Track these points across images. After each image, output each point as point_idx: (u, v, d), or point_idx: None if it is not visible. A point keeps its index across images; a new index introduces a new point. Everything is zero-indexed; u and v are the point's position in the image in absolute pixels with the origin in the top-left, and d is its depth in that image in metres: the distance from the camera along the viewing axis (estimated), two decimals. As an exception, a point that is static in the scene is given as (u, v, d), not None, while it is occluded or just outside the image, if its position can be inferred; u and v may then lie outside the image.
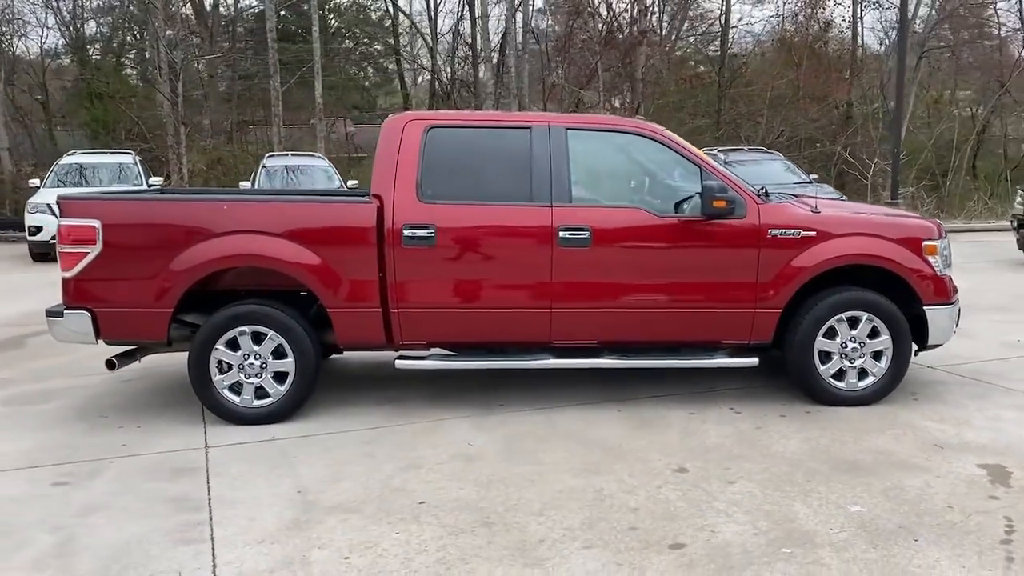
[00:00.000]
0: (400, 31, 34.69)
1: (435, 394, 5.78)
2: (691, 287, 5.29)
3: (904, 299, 5.42)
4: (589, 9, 25.51)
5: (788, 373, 5.59)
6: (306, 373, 5.18)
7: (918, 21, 25.59)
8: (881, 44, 27.14)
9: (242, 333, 5.13)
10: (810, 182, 14.21)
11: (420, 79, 39.75)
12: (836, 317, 5.35)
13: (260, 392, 5.20)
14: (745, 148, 17.22)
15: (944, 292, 5.46)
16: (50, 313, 5.18)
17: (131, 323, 5.13)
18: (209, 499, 4.08)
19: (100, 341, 5.19)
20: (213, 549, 3.55)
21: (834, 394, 5.42)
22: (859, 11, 25.96)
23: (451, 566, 3.37)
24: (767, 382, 5.97)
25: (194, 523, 3.81)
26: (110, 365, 5.29)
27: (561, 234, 5.15)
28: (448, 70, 33.88)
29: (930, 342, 5.50)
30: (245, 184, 15.28)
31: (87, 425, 5.26)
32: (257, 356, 5.15)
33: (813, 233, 5.30)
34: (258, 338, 5.15)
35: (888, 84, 25.29)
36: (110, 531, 3.73)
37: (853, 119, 24.19)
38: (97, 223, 5.01)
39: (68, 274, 5.08)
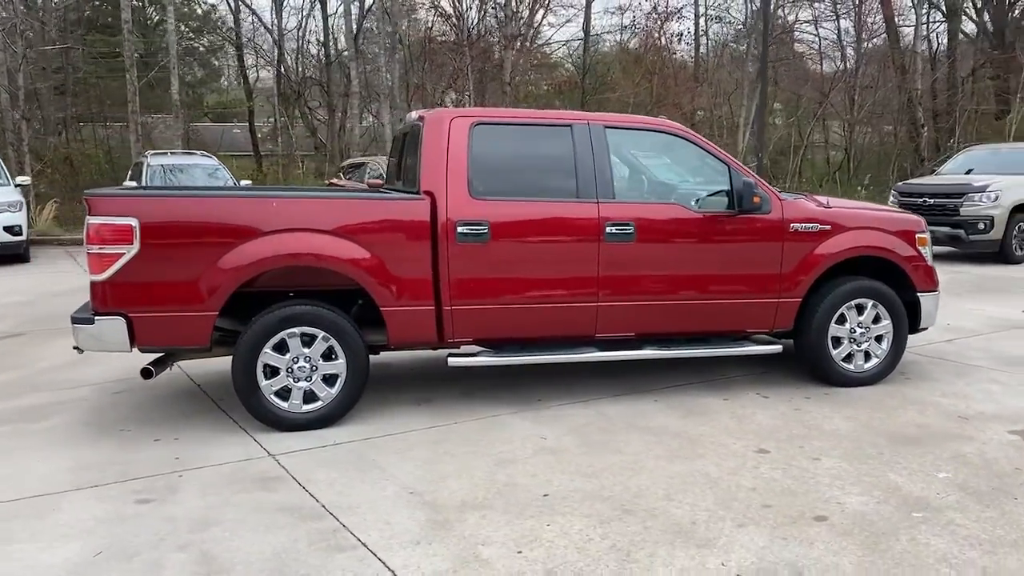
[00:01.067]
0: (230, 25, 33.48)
1: (463, 394, 5.75)
2: (724, 279, 5.56)
3: (898, 286, 5.92)
4: (443, 12, 25.75)
5: (800, 357, 5.96)
6: (357, 375, 5.04)
7: (754, 36, 27.46)
8: (720, 55, 28.88)
9: (291, 335, 4.92)
10: None
11: (257, 77, 38.46)
12: (846, 304, 5.78)
13: (308, 396, 5.00)
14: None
15: (933, 280, 6.03)
16: (77, 320, 4.76)
17: (171, 328, 4.80)
18: (322, 506, 3.92)
19: (135, 349, 4.82)
20: (374, 554, 3.43)
21: (845, 376, 5.85)
22: (703, 25, 27.61)
23: (628, 551, 3.43)
24: (767, 368, 6.34)
25: (329, 530, 3.66)
26: (147, 374, 4.93)
27: (608, 229, 5.28)
28: (297, 67, 33.04)
29: (921, 325, 6.04)
30: (130, 184, 14.30)
31: (115, 440, 4.87)
32: (307, 359, 4.96)
33: (828, 227, 5.71)
34: (306, 340, 4.96)
35: (734, 94, 27.07)
36: (246, 544, 3.52)
37: (696, 126, 25.58)
38: (134, 221, 4.66)
39: (100, 277, 4.68)
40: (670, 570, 3.29)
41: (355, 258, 4.93)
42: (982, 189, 11.99)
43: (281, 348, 4.93)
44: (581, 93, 23.93)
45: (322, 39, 33.23)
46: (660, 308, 5.48)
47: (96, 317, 4.71)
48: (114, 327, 4.71)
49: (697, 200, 5.53)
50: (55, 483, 4.21)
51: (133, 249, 4.66)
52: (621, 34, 26.41)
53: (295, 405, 4.98)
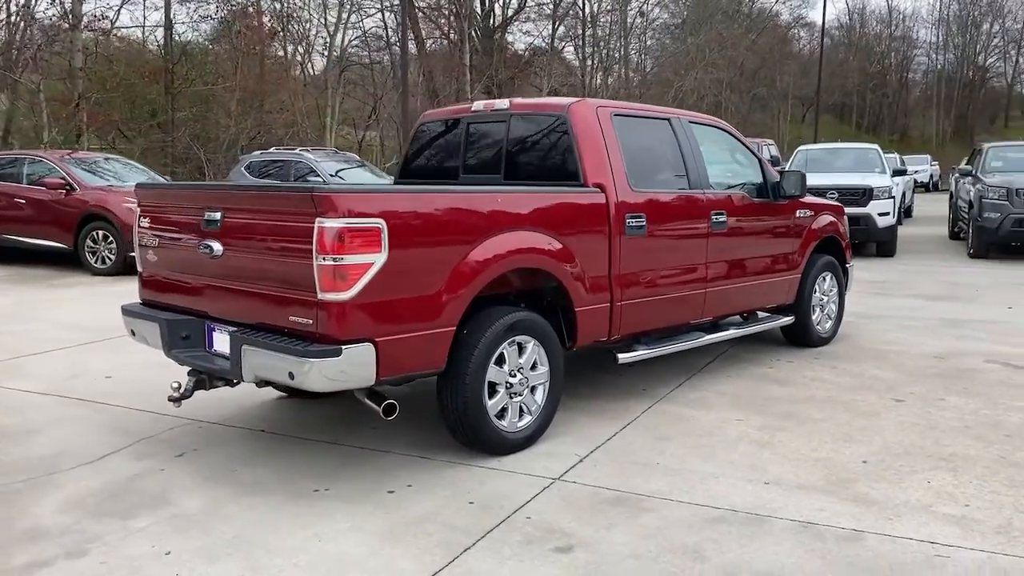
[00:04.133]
0: None
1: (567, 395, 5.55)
2: (771, 259, 6.24)
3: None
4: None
5: (790, 326, 6.85)
6: (558, 384, 4.68)
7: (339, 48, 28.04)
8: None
9: (511, 344, 4.39)
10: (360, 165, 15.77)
11: None
12: (819, 278, 6.86)
13: (521, 412, 4.52)
14: (331, 149, 17.73)
15: (850, 253, 7.41)
16: (314, 354, 3.66)
17: (414, 351, 3.95)
18: (733, 510, 3.74)
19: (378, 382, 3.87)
20: (885, 534, 3.50)
21: (820, 337, 6.94)
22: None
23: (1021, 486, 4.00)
24: (745, 343, 7.10)
25: (799, 527, 3.56)
26: (392, 410, 3.97)
27: (713, 218, 5.61)
28: None
29: (847, 290, 7.39)
30: None
31: (346, 502, 3.87)
32: (520, 370, 4.47)
33: (812, 212, 6.71)
34: (519, 350, 4.48)
35: (323, 93, 27.10)
36: (763, 555, 3.31)
37: (298, 126, 25.17)
38: (381, 223, 3.77)
39: (344, 296, 3.68)
40: (1077, 491, 3.95)
41: (564, 255, 4.58)
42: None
43: (498, 361, 4.37)
44: (169, 82, 21.81)
45: None
46: (737, 290, 5.96)
47: (344, 347, 3.69)
48: (362, 357, 3.75)
49: (749, 188, 6.09)
50: (416, 559, 3.32)
51: (381, 258, 3.76)
52: (211, 24, 24.64)
53: (512, 423, 4.46)
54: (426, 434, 4.71)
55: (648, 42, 45.55)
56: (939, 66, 74.10)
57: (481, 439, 4.31)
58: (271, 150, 15.96)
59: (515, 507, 3.78)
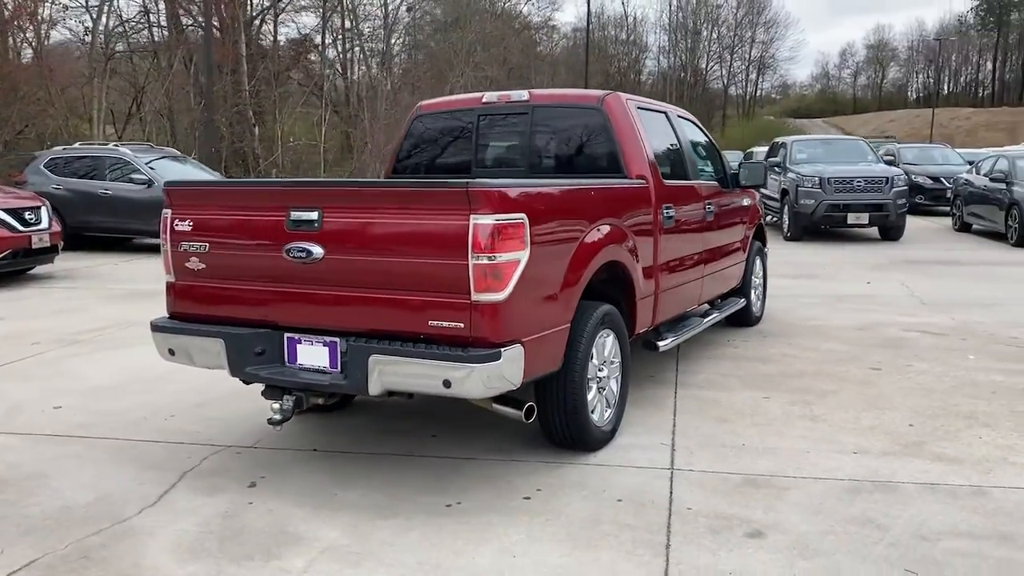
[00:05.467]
0: None
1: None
2: (734, 245, 6.60)
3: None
4: None
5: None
6: (627, 376, 4.70)
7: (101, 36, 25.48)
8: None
9: (600, 337, 4.36)
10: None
11: None
12: (754, 261, 7.35)
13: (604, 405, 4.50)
14: (147, 143, 16.05)
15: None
16: (472, 359, 3.43)
17: (545, 351, 3.83)
18: (858, 480, 3.97)
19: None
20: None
21: (755, 317, 7.44)
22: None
23: (1052, 434, 4.60)
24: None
25: (912, 475, 3.88)
26: (532, 412, 3.81)
27: (707, 207, 5.86)
28: None
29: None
30: None
31: (489, 512, 3.67)
32: (605, 364, 4.45)
33: (749, 202, 7.17)
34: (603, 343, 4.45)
35: (86, 86, 24.48)
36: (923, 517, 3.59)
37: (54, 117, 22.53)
38: (524, 218, 3.62)
39: (499, 296, 3.49)
40: (1093, 434, 4.59)
41: (632, 245, 4.62)
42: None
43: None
44: None
45: None
46: (718, 275, 6.25)
47: (503, 349, 3.50)
48: (517, 360, 3.58)
49: (715, 177, 6.37)
50: (630, 561, 3.25)
51: (526, 254, 3.60)
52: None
53: (602, 417, 4.42)
54: (486, 436, 4.57)
55: (418, 37, 45.43)
56: (665, 68, 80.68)
57: (584, 437, 4.24)
58: (76, 145, 14.30)
59: (665, 500, 3.77)
